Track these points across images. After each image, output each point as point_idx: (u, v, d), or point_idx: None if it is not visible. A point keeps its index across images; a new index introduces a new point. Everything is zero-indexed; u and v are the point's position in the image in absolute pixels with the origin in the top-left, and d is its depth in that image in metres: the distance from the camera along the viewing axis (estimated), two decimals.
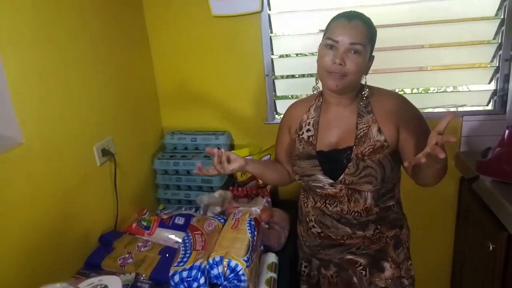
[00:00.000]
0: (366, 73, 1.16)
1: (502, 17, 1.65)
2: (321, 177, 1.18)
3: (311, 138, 1.23)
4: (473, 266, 1.72)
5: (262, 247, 1.35)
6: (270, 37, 1.81)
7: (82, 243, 1.33)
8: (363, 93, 1.18)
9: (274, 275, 1.24)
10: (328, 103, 1.22)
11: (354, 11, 1.12)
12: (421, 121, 1.16)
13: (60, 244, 1.22)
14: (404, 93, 2.09)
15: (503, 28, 1.65)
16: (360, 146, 1.15)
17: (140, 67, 1.82)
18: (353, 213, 1.19)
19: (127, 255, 1.29)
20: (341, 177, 1.15)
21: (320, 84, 1.20)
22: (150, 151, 1.88)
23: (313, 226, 1.26)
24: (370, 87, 1.20)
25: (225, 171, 1.20)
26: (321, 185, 1.19)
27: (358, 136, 1.16)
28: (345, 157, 1.16)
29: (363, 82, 1.18)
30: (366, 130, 1.15)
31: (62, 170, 1.24)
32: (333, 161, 1.18)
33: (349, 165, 1.15)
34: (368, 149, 1.14)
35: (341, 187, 1.17)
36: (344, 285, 1.28)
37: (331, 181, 1.17)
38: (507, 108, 1.53)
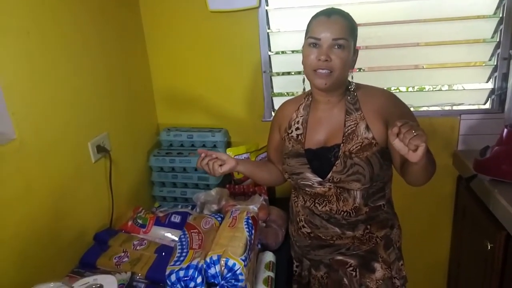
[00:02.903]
0: (353, 67, 1.17)
1: (500, 15, 1.65)
2: (309, 175, 1.18)
3: (300, 137, 1.23)
4: (470, 265, 1.72)
5: (259, 246, 1.33)
6: (268, 33, 1.79)
7: (77, 241, 1.30)
8: (349, 87, 1.19)
9: (271, 274, 1.23)
10: (317, 101, 1.23)
11: (332, 8, 1.13)
12: (410, 118, 1.15)
13: (54, 242, 1.20)
14: (400, 91, 2.09)
15: (502, 26, 1.65)
16: (348, 143, 1.14)
17: (136, 62, 1.80)
18: (342, 212, 1.18)
19: (122, 254, 1.26)
20: (329, 175, 1.15)
21: (307, 84, 1.20)
22: (146, 148, 1.86)
23: (303, 226, 1.25)
24: (359, 85, 1.21)
25: (215, 173, 1.20)
26: (310, 183, 1.18)
27: (346, 134, 1.15)
28: (332, 155, 1.16)
29: (349, 78, 1.19)
30: (354, 128, 1.15)
31: (56, 166, 1.21)
32: (321, 159, 1.18)
33: (336, 162, 1.14)
34: (356, 147, 1.13)
35: (330, 185, 1.16)
36: (335, 286, 1.27)
37: (319, 179, 1.16)
38: (506, 107, 1.53)
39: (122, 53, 1.65)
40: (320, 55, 1.08)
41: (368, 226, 1.19)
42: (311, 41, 1.10)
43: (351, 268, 1.23)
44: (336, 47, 1.08)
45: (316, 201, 1.20)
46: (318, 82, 1.11)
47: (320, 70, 1.09)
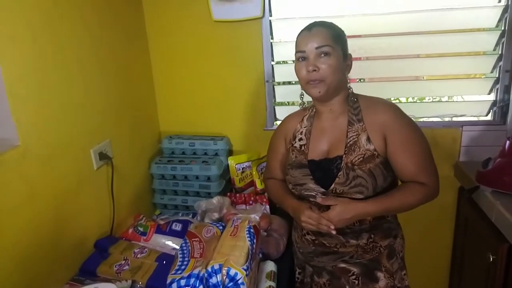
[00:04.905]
0: (348, 72, 1.20)
1: (502, 28, 1.66)
2: (312, 186, 1.18)
3: (303, 147, 1.24)
4: (471, 277, 1.70)
5: (260, 255, 1.33)
6: (271, 43, 1.80)
7: (77, 249, 1.30)
8: (350, 92, 1.21)
9: (273, 284, 1.22)
10: (320, 112, 1.24)
11: (314, 22, 1.18)
12: (413, 132, 1.15)
13: (55, 249, 1.20)
14: (400, 101, 2.09)
15: (504, 39, 1.66)
16: (350, 155, 1.14)
17: (139, 70, 1.81)
18: None
19: (123, 262, 1.26)
20: (332, 186, 1.15)
21: (306, 97, 1.24)
22: (147, 155, 1.86)
23: (307, 233, 1.25)
24: (363, 96, 1.22)
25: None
26: (313, 193, 1.19)
27: (348, 145, 1.16)
28: (335, 167, 1.16)
29: (349, 86, 1.22)
30: (356, 139, 1.15)
31: (58, 173, 1.22)
32: (324, 170, 1.18)
33: (339, 174, 1.14)
34: (358, 158, 1.13)
35: (333, 196, 1.16)
36: None
37: (322, 190, 1.17)
38: (508, 119, 1.53)
39: (125, 61, 1.66)
40: (308, 66, 1.13)
41: (372, 235, 1.19)
42: (299, 55, 1.16)
43: (353, 277, 1.23)
44: (322, 55, 1.12)
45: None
46: (313, 91, 1.15)
47: (312, 82, 1.14)
